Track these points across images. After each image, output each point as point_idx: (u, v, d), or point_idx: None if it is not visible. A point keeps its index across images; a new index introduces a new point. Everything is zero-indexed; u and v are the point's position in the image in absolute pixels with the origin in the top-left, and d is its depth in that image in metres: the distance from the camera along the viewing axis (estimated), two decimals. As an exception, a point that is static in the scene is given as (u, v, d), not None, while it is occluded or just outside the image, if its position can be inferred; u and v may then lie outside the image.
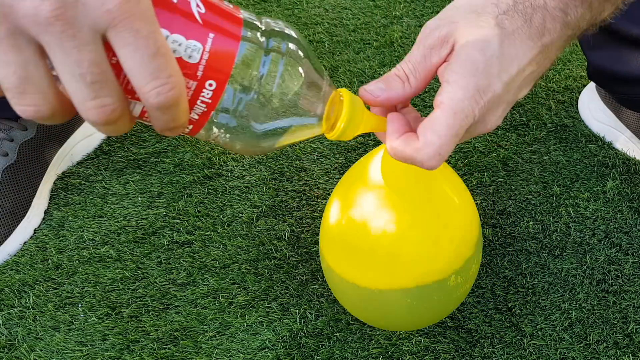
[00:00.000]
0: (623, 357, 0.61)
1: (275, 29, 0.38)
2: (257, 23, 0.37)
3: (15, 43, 0.29)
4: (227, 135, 0.38)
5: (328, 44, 1.02)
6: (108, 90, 0.30)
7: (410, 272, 0.52)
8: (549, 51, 0.41)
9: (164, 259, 0.72)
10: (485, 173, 0.79)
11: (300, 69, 0.38)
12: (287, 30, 0.38)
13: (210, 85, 0.35)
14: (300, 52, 0.38)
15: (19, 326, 0.66)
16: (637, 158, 0.80)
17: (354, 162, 0.59)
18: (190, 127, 0.37)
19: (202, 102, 0.35)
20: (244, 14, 0.37)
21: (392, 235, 0.51)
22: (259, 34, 0.36)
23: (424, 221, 0.52)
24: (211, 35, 0.34)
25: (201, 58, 0.34)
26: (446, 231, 0.52)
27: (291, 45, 0.37)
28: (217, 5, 0.35)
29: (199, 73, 0.34)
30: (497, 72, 0.39)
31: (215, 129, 0.37)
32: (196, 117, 0.36)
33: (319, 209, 0.76)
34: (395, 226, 0.51)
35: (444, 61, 0.41)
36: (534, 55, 0.40)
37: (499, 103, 0.41)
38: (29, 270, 0.72)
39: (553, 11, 0.40)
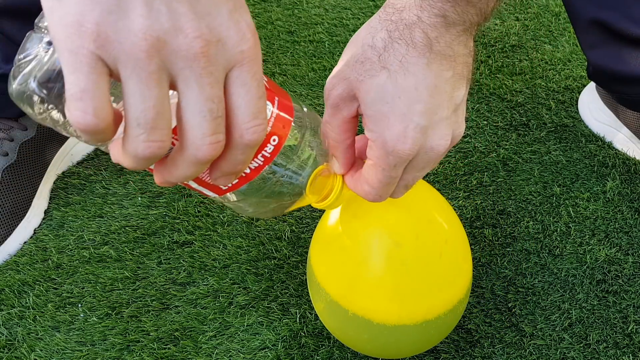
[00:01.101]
0: (623, 357, 0.61)
1: (307, 113, 0.43)
2: (299, 105, 0.42)
3: (160, 78, 0.29)
4: (246, 198, 0.42)
5: (328, 44, 1.02)
6: (222, 127, 0.31)
7: (432, 303, 0.52)
8: (450, 51, 0.40)
9: (164, 259, 0.72)
10: (485, 173, 0.79)
11: (314, 147, 0.43)
12: (309, 112, 0.43)
13: (274, 140, 0.38)
14: (317, 132, 0.43)
15: (19, 326, 0.67)
16: (637, 158, 0.80)
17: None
18: (236, 181, 0.40)
19: (263, 155, 0.39)
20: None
21: (413, 268, 0.51)
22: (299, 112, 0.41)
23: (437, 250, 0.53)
24: (276, 98, 0.39)
25: (271, 115, 0.38)
26: (450, 254, 0.53)
27: (314, 125, 0.43)
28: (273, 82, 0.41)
29: (269, 127, 0.38)
30: (407, 109, 0.39)
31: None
32: (248, 170, 0.39)
33: (318, 208, 0.76)
34: (415, 258, 0.51)
35: (357, 112, 0.42)
36: (437, 67, 0.39)
37: (432, 125, 0.40)
38: (29, 270, 0.72)
39: (429, 20, 0.39)
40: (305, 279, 0.69)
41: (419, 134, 0.40)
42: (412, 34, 0.39)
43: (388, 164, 0.41)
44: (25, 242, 0.75)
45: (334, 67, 0.97)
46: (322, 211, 0.76)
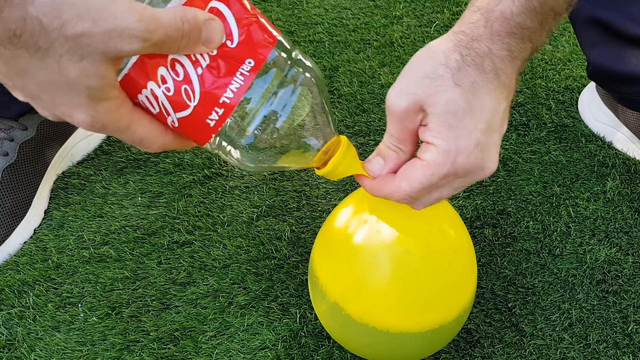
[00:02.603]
0: (623, 357, 0.61)
1: (303, 60, 0.41)
2: (289, 48, 0.40)
3: None
4: (229, 148, 0.40)
5: (328, 44, 1.02)
6: None
7: (440, 309, 0.52)
8: (509, 83, 0.44)
9: (164, 259, 0.72)
10: (485, 173, 0.79)
11: (310, 101, 0.41)
12: (310, 64, 0.41)
13: (249, 62, 0.37)
14: (315, 87, 0.41)
15: (19, 326, 0.67)
16: (637, 158, 0.80)
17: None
18: (223, 110, 0.38)
19: (241, 73, 0.37)
20: (280, 37, 0.40)
21: (423, 275, 0.51)
22: (286, 57, 0.39)
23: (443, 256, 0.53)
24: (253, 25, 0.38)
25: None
26: (457, 259, 0.53)
27: (308, 76, 0.41)
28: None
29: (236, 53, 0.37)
30: (473, 127, 0.43)
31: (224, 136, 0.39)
32: (230, 94, 0.38)
33: (319, 208, 0.76)
34: (425, 265, 0.51)
35: (420, 124, 0.45)
36: (498, 94, 0.44)
37: (488, 147, 0.44)
38: (29, 270, 0.72)
39: (499, 53, 0.43)
40: (306, 279, 0.69)
41: (480, 152, 0.43)
42: (482, 62, 0.42)
43: (441, 171, 0.43)
44: (25, 242, 0.75)
45: (334, 66, 0.98)
46: (324, 211, 0.76)
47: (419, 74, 0.43)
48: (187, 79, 0.37)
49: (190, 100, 0.37)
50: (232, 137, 0.39)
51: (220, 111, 0.38)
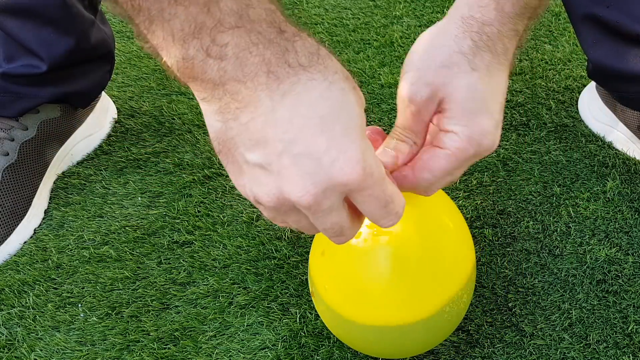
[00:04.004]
0: (623, 357, 0.61)
1: None
2: None
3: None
4: None
5: (328, 44, 1.02)
6: (346, 232, 0.40)
7: (433, 299, 0.52)
8: (512, 59, 0.46)
9: (164, 259, 0.72)
10: (485, 173, 0.79)
11: None
12: None
13: None
14: None
15: (19, 326, 0.66)
16: (637, 158, 0.80)
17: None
18: None
19: None
20: None
21: (408, 266, 0.50)
22: None
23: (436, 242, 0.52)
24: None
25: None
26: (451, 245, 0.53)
27: None
28: None
29: None
30: (493, 108, 0.43)
31: None
32: None
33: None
34: (408, 255, 0.50)
35: (435, 113, 0.45)
36: (506, 72, 0.45)
37: (500, 124, 0.45)
38: (29, 270, 0.72)
39: (508, 33, 0.44)
40: (306, 279, 0.69)
41: (498, 131, 0.44)
42: (495, 45, 0.43)
43: (465, 156, 0.43)
44: (25, 242, 0.75)
45: (334, 67, 0.97)
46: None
47: (433, 63, 0.43)
48: None
49: None
50: None
51: None
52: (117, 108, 0.93)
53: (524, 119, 0.86)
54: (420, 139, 0.46)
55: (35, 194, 0.78)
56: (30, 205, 0.77)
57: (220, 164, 0.83)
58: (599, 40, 0.72)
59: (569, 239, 0.72)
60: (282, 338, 0.64)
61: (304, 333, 0.64)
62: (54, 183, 0.82)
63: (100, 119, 0.89)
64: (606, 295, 0.66)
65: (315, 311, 0.65)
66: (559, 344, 0.62)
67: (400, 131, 0.46)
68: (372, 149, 0.37)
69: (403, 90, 0.44)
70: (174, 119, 0.91)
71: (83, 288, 0.70)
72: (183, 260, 0.72)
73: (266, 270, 0.70)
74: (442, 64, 0.43)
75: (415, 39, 0.47)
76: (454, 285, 0.52)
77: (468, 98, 0.43)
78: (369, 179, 0.35)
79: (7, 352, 0.64)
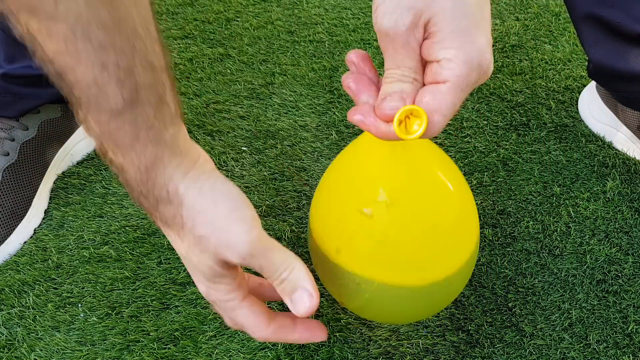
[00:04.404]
0: (623, 357, 0.61)
1: None
2: None
3: None
4: None
5: (328, 44, 1.02)
6: None
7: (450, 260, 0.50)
8: None
9: (164, 259, 0.72)
10: (485, 173, 0.79)
11: None
12: None
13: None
14: None
15: (19, 326, 0.67)
16: (637, 158, 0.80)
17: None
18: None
19: None
20: None
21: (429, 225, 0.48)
22: None
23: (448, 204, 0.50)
24: None
25: None
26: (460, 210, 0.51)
27: None
28: None
29: None
30: (483, 23, 0.38)
31: None
32: None
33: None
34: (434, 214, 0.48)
35: (423, 41, 0.39)
36: None
37: (491, 46, 0.39)
38: (29, 270, 0.72)
39: None
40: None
41: (490, 47, 0.38)
42: None
43: (468, 82, 0.38)
44: (25, 242, 0.75)
45: (334, 66, 0.98)
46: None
47: None
48: None
49: None
50: None
51: None
52: (117, 108, 0.93)
53: (524, 119, 0.86)
54: (419, 74, 0.40)
55: (35, 194, 0.78)
56: (30, 205, 0.77)
57: (220, 164, 0.83)
58: (600, 39, 0.72)
59: (569, 239, 0.72)
60: (282, 338, 0.64)
61: (304, 333, 0.64)
62: (54, 183, 0.82)
63: (101, 119, 0.89)
64: (606, 295, 0.66)
65: (316, 311, 0.65)
66: (559, 344, 0.62)
67: (394, 71, 0.40)
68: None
69: (383, 23, 0.38)
70: (174, 119, 0.91)
71: (83, 288, 0.70)
72: (183, 260, 0.72)
73: (266, 270, 0.70)
74: None
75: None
76: (468, 249, 0.51)
77: (456, 15, 0.37)
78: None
79: (7, 352, 0.64)
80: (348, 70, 0.43)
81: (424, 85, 0.40)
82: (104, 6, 0.34)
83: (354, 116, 0.41)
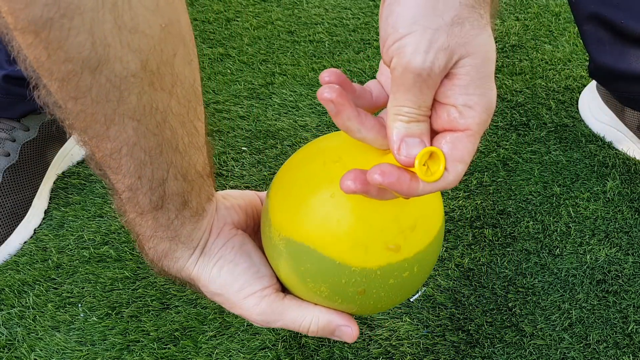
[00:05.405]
0: (623, 357, 0.61)
1: None
2: None
3: None
4: None
5: (328, 44, 1.02)
6: None
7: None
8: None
9: (164, 259, 0.72)
10: (485, 173, 0.79)
11: None
12: None
13: None
14: None
15: (19, 326, 0.67)
16: (637, 158, 0.80)
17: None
18: None
19: None
20: None
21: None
22: None
23: None
24: None
25: None
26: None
27: None
28: None
29: None
30: (494, 67, 0.37)
31: None
32: None
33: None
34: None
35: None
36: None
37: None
38: (29, 270, 0.72)
39: None
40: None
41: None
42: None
43: (486, 126, 0.36)
44: (25, 242, 0.76)
45: (334, 67, 0.98)
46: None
47: (442, 22, 0.34)
48: None
49: None
50: None
51: None
52: (118, 108, 0.93)
53: (524, 119, 0.86)
54: (429, 112, 0.37)
55: (35, 194, 0.78)
56: (30, 205, 0.77)
57: (220, 164, 0.83)
58: (603, 39, 0.72)
59: (569, 239, 0.72)
60: (282, 338, 0.64)
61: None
62: (54, 183, 0.82)
63: (101, 119, 0.89)
64: (606, 295, 0.66)
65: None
66: (559, 344, 0.62)
67: (411, 109, 0.36)
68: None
69: (415, 62, 0.34)
70: (174, 119, 0.91)
71: (83, 288, 0.70)
72: (183, 260, 0.72)
73: (266, 270, 0.70)
74: (452, 21, 0.34)
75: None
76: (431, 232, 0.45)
77: (485, 60, 0.35)
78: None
79: (7, 352, 0.64)
80: (349, 70, 0.43)
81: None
82: (152, 135, 0.38)
83: (374, 175, 0.35)
